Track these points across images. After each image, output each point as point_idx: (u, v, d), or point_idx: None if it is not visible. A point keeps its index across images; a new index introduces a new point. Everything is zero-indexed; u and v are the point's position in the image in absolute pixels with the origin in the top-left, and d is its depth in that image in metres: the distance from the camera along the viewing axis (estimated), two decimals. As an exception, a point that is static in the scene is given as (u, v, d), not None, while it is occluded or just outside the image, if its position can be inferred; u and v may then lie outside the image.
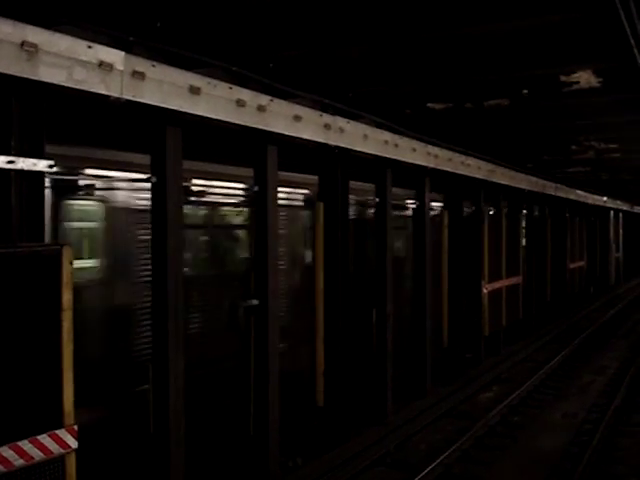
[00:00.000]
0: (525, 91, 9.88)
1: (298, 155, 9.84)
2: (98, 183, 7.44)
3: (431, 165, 12.79)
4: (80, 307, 6.15)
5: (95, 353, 7.22)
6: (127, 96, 6.26)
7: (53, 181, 6.45)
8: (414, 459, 10.09)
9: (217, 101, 7.35)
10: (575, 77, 8.94)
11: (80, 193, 7.40)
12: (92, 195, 7.49)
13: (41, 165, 5.67)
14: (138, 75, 6.34)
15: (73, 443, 5.41)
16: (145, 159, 7.30)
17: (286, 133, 8.57)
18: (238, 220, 9.90)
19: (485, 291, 16.23)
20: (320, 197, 10.28)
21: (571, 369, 16.35)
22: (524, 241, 19.92)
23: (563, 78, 9.03)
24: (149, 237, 7.31)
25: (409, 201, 13.57)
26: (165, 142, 7.10)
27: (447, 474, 9.63)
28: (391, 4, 6.69)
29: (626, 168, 20.15)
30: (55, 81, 5.61)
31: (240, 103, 7.65)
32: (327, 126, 9.34)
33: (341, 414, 10.32)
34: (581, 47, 7.76)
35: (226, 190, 9.41)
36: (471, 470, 9.82)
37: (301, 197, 10.58)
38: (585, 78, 8.98)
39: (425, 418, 11.94)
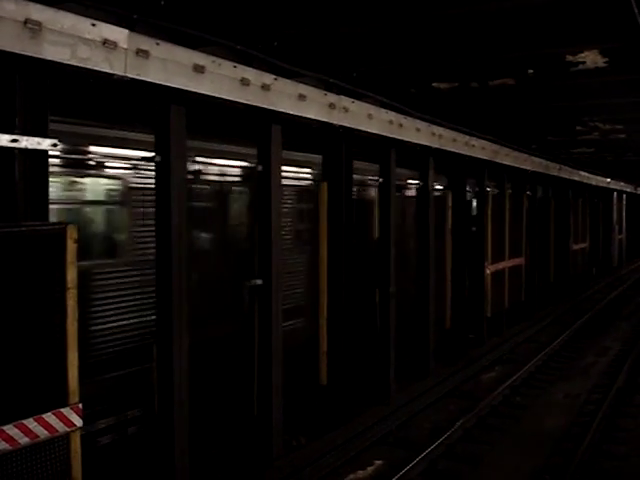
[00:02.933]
0: (531, 71, 9.80)
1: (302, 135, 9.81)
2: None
3: (435, 145, 12.75)
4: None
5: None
6: (131, 74, 6.23)
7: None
8: (417, 438, 10.13)
9: (221, 80, 7.32)
10: (581, 57, 8.86)
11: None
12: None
13: (45, 144, 5.66)
14: (142, 53, 6.31)
15: (78, 421, 5.43)
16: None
17: (290, 112, 8.53)
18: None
19: (488, 272, 16.24)
20: (324, 176, 10.27)
21: (573, 350, 16.39)
22: (527, 222, 19.89)
23: (569, 58, 8.96)
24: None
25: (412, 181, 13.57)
26: (169, 121, 7.08)
27: (449, 453, 9.68)
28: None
29: (631, 149, 20.07)
30: (59, 59, 5.58)
31: (244, 82, 7.61)
32: (331, 105, 9.30)
33: (344, 393, 10.36)
34: (588, 26, 7.69)
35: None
36: (473, 449, 9.87)
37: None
38: (591, 58, 8.90)
39: (428, 398, 11.99)
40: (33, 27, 5.29)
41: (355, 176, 10.83)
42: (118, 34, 6.08)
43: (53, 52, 5.51)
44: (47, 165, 5.83)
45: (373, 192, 12.28)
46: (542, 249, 21.79)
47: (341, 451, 9.35)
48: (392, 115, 10.96)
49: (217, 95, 7.32)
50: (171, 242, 7.11)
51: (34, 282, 5.25)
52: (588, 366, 14.79)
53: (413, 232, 13.62)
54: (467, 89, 10.92)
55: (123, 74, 6.16)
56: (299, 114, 8.71)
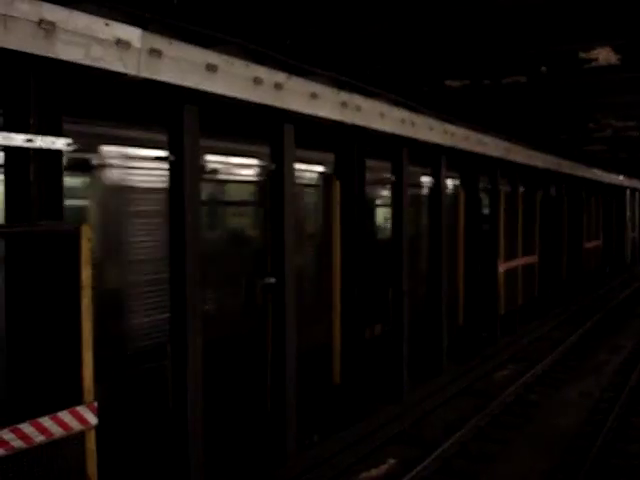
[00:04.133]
0: (543, 68, 9.77)
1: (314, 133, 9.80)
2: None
3: (448, 143, 12.71)
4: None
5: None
6: (144, 74, 6.23)
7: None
8: (430, 437, 10.13)
9: (234, 79, 7.31)
10: (594, 54, 8.84)
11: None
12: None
13: (59, 143, 5.68)
14: (155, 53, 6.31)
15: (93, 419, 5.45)
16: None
17: (303, 111, 8.52)
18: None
19: (501, 270, 16.19)
20: (337, 175, 10.27)
21: (587, 348, 16.33)
22: (540, 220, 19.83)
23: (582, 55, 8.93)
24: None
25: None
26: (183, 120, 7.09)
27: (463, 452, 9.67)
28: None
29: (644, 147, 19.98)
30: (72, 59, 5.59)
31: (257, 81, 7.61)
32: (344, 104, 9.28)
33: (357, 392, 10.36)
34: (601, 23, 7.67)
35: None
36: (487, 448, 9.85)
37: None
38: (604, 55, 8.87)
39: (441, 396, 11.98)
40: (47, 27, 5.30)
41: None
42: (131, 34, 6.08)
43: (67, 52, 5.52)
44: (61, 164, 5.85)
45: (386, 190, 12.26)
46: (555, 247, 21.70)
47: (354, 449, 9.36)
48: (404, 113, 10.94)
49: (230, 94, 7.31)
50: (185, 241, 7.12)
51: (49, 281, 5.28)
52: (601, 364, 14.74)
53: (426, 230, 13.60)
54: (479, 87, 10.89)
55: (136, 74, 6.16)
56: (311, 113, 8.70)
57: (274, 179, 8.73)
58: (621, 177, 29.74)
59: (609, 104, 12.83)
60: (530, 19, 7.60)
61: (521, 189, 18.26)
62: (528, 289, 18.41)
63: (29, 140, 5.45)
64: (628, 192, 34.28)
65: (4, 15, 5.01)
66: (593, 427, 10.47)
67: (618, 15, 7.39)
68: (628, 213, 34.47)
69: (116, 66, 5.97)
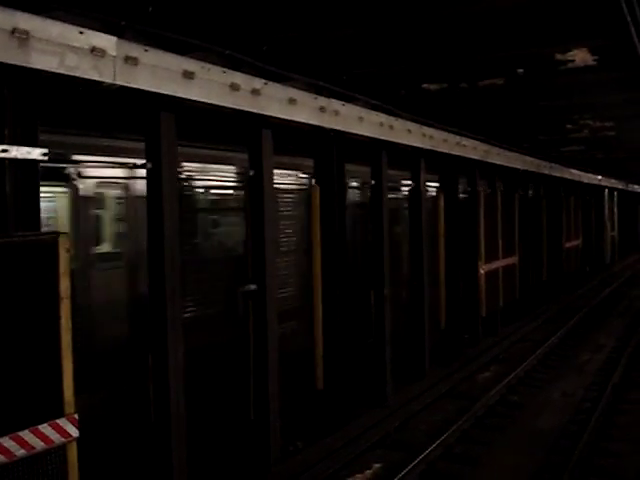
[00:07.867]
0: (520, 70, 9.81)
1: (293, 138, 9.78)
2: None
3: (426, 146, 12.75)
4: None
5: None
6: (120, 82, 6.19)
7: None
8: (415, 440, 10.11)
9: (211, 85, 7.29)
10: (571, 55, 8.88)
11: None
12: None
13: (35, 153, 5.62)
14: (131, 60, 6.27)
15: (74, 432, 5.38)
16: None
17: (281, 116, 8.51)
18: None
19: (482, 272, 16.24)
20: (316, 180, 10.24)
21: (569, 348, 16.40)
22: (519, 221, 19.91)
23: (559, 57, 8.97)
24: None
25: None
26: (159, 128, 7.04)
27: (447, 454, 9.66)
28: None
29: (621, 146, 20.13)
30: (47, 68, 5.54)
31: (234, 87, 7.58)
32: (322, 109, 9.28)
33: (341, 397, 10.33)
34: (577, 25, 7.70)
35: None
36: (471, 450, 9.85)
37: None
38: (581, 56, 8.92)
39: (425, 399, 11.97)
40: (20, 36, 5.25)
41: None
42: (106, 41, 6.03)
43: (41, 61, 5.46)
44: (38, 174, 5.78)
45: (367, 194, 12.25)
46: (535, 248, 21.83)
47: (339, 455, 9.32)
48: (383, 117, 10.95)
49: (207, 101, 7.28)
50: (164, 249, 7.07)
51: (27, 293, 5.20)
52: (584, 363, 14.80)
53: (406, 233, 13.60)
54: (457, 90, 10.93)
55: (112, 82, 6.11)
56: (290, 118, 8.69)
57: (253, 185, 8.70)
58: (599, 177, 29.94)
59: (586, 105, 12.91)
60: (506, 21, 7.62)
61: (500, 190, 18.33)
62: (509, 290, 18.47)
63: (4, 150, 5.39)
64: (606, 192, 34.53)
65: (-24, 25, 4.96)
66: (577, 427, 10.50)
67: (594, 17, 7.43)
68: (607, 212, 34.70)
69: (91, 74, 5.93)
